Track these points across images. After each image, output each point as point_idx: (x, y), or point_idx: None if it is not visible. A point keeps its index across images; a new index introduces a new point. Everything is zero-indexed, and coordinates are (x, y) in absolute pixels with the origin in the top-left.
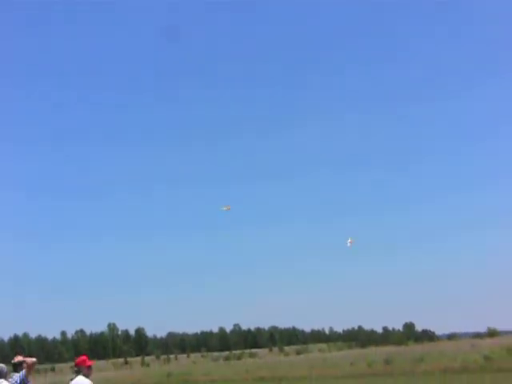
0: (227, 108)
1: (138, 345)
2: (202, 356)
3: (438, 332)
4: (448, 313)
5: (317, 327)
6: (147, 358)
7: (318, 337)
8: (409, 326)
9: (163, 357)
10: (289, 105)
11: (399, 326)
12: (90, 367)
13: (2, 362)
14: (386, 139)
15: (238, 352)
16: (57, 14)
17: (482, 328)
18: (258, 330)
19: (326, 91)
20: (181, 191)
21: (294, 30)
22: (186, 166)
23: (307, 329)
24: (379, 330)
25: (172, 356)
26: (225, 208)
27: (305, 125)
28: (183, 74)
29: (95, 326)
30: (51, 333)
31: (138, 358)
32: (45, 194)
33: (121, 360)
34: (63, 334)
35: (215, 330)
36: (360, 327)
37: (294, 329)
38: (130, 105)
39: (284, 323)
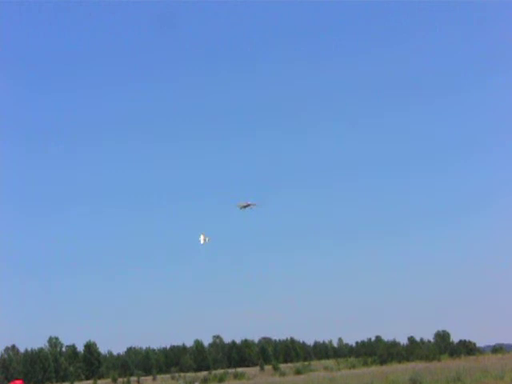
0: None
1: (88, 364)
2: (173, 378)
3: (480, 343)
4: (492, 319)
5: (322, 339)
6: (100, 382)
7: (323, 351)
8: (442, 336)
9: (121, 380)
10: None
11: (430, 336)
12: None
13: None
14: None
15: (219, 372)
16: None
17: None
18: (246, 342)
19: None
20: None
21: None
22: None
23: (309, 341)
24: (404, 341)
25: (133, 378)
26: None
27: None
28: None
29: (31, 340)
30: None
31: (89, 382)
32: None
33: None
34: None
35: (189, 343)
36: (378, 338)
37: (291, 341)
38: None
39: (279, 334)
